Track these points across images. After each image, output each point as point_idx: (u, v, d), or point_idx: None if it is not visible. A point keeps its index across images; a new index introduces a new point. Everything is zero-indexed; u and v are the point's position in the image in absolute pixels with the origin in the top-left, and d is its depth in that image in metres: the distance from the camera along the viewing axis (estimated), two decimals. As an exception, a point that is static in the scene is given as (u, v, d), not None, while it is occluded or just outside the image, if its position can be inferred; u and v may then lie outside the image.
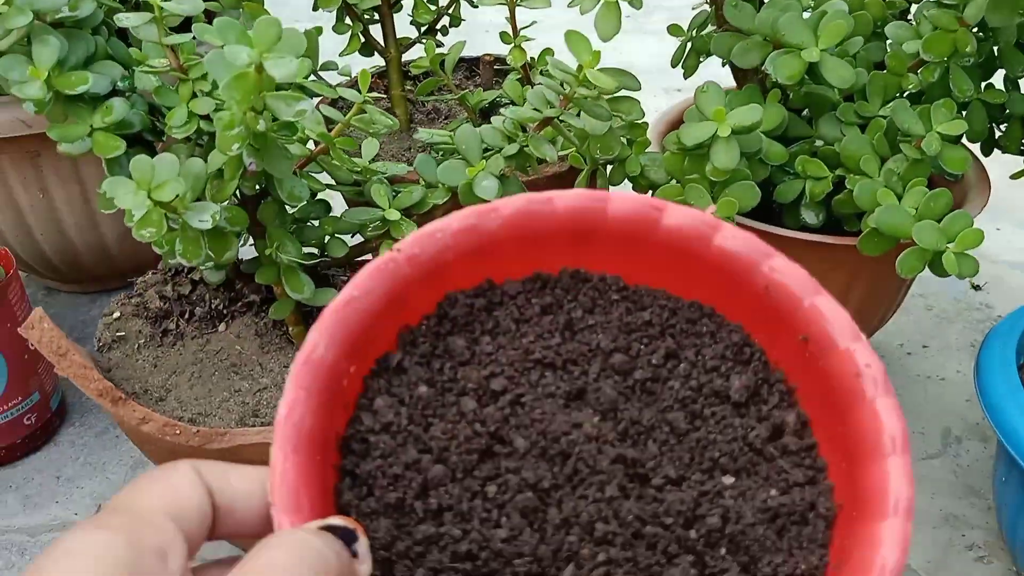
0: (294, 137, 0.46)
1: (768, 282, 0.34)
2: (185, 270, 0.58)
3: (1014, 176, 0.67)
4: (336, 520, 0.28)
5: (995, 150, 0.65)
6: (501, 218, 0.34)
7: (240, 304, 0.56)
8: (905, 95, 0.59)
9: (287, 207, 0.52)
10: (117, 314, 0.56)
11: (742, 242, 0.34)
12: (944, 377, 0.77)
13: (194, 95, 0.48)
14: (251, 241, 0.52)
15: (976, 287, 0.86)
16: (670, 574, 0.30)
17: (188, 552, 0.26)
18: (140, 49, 0.48)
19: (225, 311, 0.56)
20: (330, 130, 0.50)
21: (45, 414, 0.68)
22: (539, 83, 0.51)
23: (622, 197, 0.35)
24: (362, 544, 0.28)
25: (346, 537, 0.27)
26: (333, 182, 0.55)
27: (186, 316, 0.56)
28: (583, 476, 0.31)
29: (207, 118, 0.47)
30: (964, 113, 0.60)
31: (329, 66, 0.71)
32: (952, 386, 0.76)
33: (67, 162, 0.67)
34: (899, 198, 0.54)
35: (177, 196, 0.44)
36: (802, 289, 0.34)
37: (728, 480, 0.32)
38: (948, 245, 0.52)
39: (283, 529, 0.27)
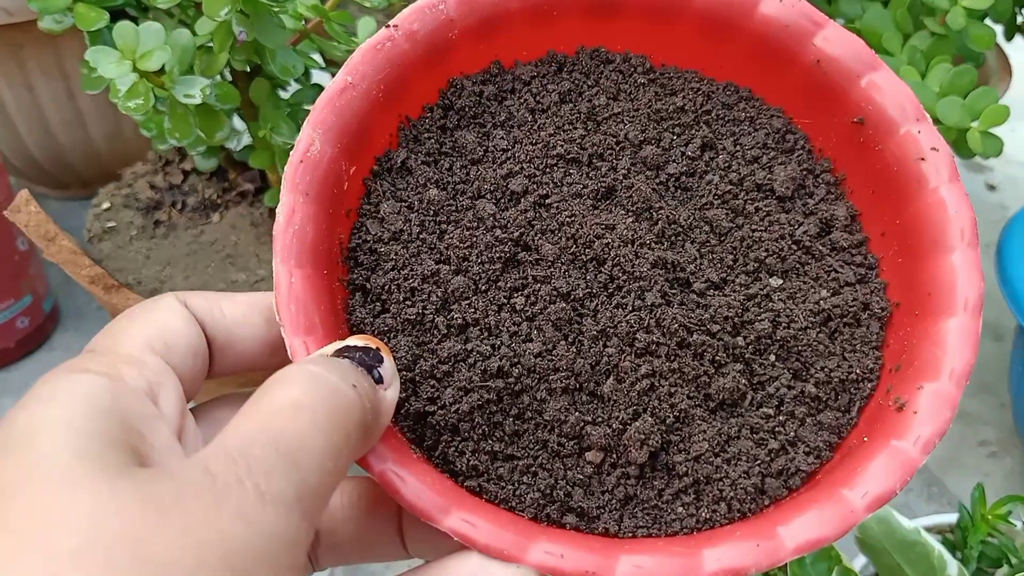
0: (287, 4, 0.43)
1: (820, 56, 0.30)
2: (176, 159, 0.56)
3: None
4: (356, 340, 0.24)
5: (1016, 36, 0.63)
6: None
7: (234, 194, 0.54)
8: (929, -31, 0.56)
9: (280, 89, 0.50)
10: (107, 204, 0.54)
11: (791, 9, 0.31)
12: (958, 277, 0.75)
13: (179, -39, 0.45)
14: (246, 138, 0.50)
15: (991, 187, 0.83)
16: (718, 384, 0.28)
17: (185, 393, 0.23)
18: (121, -85, 0.46)
19: (219, 201, 0.54)
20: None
21: (38, 317, 0.66)
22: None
23: None
24: (387, 367, 0.24)
25: (367, 360, 0.24)
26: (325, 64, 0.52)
27: (178, 207, 0.54)
28: (620, 283, 0.28)
29: (193, -12, 0.45)
30: (990, -11, 0.57)
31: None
32: (966, 286, 0.75)
33: (51, 55, 0.64)
34: (922, 76, 0.52)
35: (164, 67, 0.42)
36: (859, 63, 0.30)
37: (775, 282, 0.29)
38: (973, 123, 0.50)
39: (296, 359, 0.24)
